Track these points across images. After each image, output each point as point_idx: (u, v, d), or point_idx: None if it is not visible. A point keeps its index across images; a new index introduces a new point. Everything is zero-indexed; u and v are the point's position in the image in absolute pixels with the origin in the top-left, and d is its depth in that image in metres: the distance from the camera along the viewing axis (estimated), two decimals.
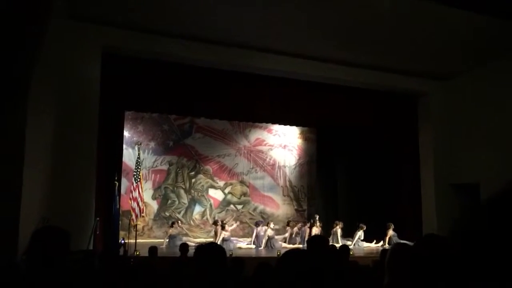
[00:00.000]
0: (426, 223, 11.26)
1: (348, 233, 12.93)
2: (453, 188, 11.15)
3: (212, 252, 2.17)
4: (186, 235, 13.17)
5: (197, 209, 14.46)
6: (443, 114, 11.43)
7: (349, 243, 11.82)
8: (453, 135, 11.22)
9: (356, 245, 11.96)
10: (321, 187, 15.60)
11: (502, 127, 9.81)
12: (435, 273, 1.53)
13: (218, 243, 11.27)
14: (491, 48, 9.50)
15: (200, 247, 2.37)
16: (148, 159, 14.00)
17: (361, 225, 12.55)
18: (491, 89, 10.21)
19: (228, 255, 8.96)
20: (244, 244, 12.11)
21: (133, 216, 10.20)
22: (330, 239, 12.14)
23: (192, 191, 14.48)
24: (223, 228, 12.14)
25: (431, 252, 1.57)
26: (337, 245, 8.68)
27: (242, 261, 4.83)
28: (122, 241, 9.47)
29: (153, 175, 14.09)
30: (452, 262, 1.50)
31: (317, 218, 12.96)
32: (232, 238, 12.38)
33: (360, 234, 12.38)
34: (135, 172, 10.62)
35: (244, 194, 15.16)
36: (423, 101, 11.80)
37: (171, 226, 12.39)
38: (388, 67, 10.59)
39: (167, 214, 13.97)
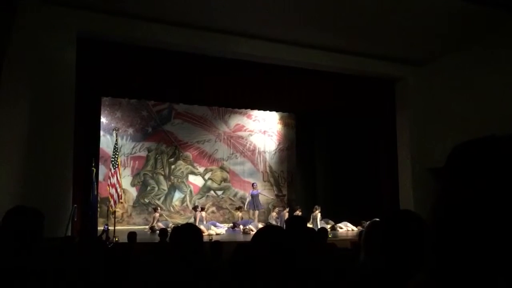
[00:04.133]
0: (403, 207, 11.41)
1: (328, 217, 13.09)
2: (429, 173, 11.30)
3: (188, 232, 2.16)
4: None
5: (177, 195, 14.43)
6: (420, 99, 11.54)
7: (328, 226, 11.99)
8: (430, 120, 11.35)
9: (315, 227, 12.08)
10: (301, 172, 15.70)
11: (478, 112, 9.95)
12: (406, 247, 1.54)
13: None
14: (467, 34, 9.60)
15: (177, 228, 2.37)
16: (127, 145, 13.88)
17: (316, 206, 12.94)
18: (467, 75, 10.32)
19: (208, 239, 9.00)
20: (220, 229, 12.11)
21: (112, 203, 10.14)
22: (310, 223, 12.28)
23: (172, 177, 14.43)
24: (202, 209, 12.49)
25: (402, 226, 1.59)
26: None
27: (220, 245, 4.84)
28: (106, 228, 9.45)
29: (132, 161, 13.98)
30: (425, 236, 1.52)
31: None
32: (210, 222, 12.48)
33: (318, 216, 12.66)
34: (112, 158, 10.53)
35: (224, 180, 15.18)
36: (400, 86, 11.89)
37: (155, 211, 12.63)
38: (365, 52, 10.62)
39: (147, 200, 13.91)
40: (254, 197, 13.45)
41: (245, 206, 13.63)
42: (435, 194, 0.75)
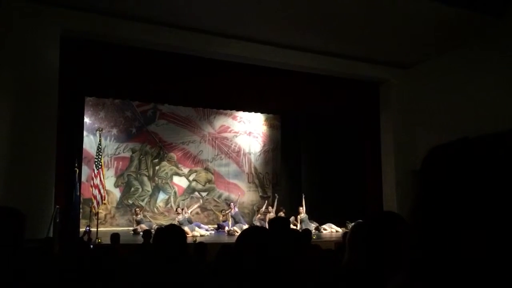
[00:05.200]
0: (387, 209, 11.49)
1: (313, 218, 13.14)
2: (413, 175, 11.40)
3: (171, 232, 2.15)
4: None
5: (161, 196, 14.35)
6: (404, 102, 11.65)
7: (312, 227, 12.07)
8: (414, 122, 11.46)
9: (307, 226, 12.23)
10: (285, 173, 15.73)
11: (462, 114, 10.07)
12: (389, 248, 1.55)
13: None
14: (451, 38, 9.72)
15: (160, 229, 2.35)
16: (110, 146, 13.76)
17: (300, 209, 13.03)
18: (451, 78, 10.46)
19: (192, 241, 8.96)
20: (204, 231, 12.05)
21: (95, 204, 10.04)
22: (298, 226, 12.32)
23: (156, 178, 14.34)
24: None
25: (385, 228, 1.60)
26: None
27: (205, 246, 4.82)
28: (87, 229, 9.36)
29: (115, 162, 13.86)
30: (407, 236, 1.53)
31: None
32: (194, 223, 12.42)
33: (300, 217, 12.79)
34: (96, 158, 10.43)
35: (209, 181, 15.13)
36: (385, 88, 11.99)
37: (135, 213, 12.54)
38: (351, 55, 10.69)
39: (130, 202, 13.80)
40: (234, 216, 13.03)
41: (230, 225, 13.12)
42: (412, 197, 0.76)
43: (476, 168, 0.66)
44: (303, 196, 13.31)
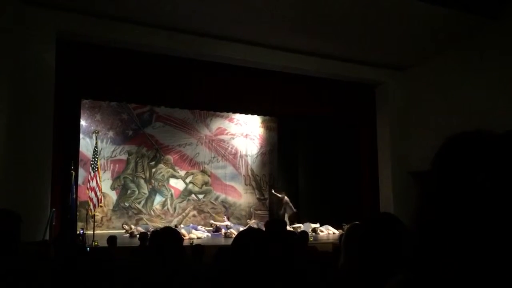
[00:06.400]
0: (384, 210, 11.48)
1: (310, 220, 13.14)
2: (410, 177, 11.40)
3: (166, 234, 2.14)
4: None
5: (158, 199, 14.31)
6: (400, 103, 11.67)
7: (310, 227, 12.11)
8: (410, 124, 11.48)
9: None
10: (282, 175, 15.73)
11: (459, 115, 10.07)
12: (385, 249, 1.55)
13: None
14: (448, 39, 9.77)
15: (155, 231, 2.35)
16: (107, 148, 13.72)
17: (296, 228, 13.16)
18: (447, 79, 10.49)
19: (189, 243, 8.94)
20: (201, 233, 12.03)
21: (91, 206, 10.01)
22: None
23: (153, 181, 14.31)
24: None
25: (381, 229, 1.60)
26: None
27: (202, 248, 4.81)
28: (82, 232, 9.33)
29: (112, 165, 13.82)
30: (401, 239, 1.53)
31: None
32: (191, 225, 12.40)
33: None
34: (92, 161, 10.40)
35: (206, 183, 15.10)
36: (381, 90, 12.01)
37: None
38: (347, 57, 10.71)
39: (127, 204, 13.76)
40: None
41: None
42: (421, 197, 0.73)
43: (498, 163, 0.63)
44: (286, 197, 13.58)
